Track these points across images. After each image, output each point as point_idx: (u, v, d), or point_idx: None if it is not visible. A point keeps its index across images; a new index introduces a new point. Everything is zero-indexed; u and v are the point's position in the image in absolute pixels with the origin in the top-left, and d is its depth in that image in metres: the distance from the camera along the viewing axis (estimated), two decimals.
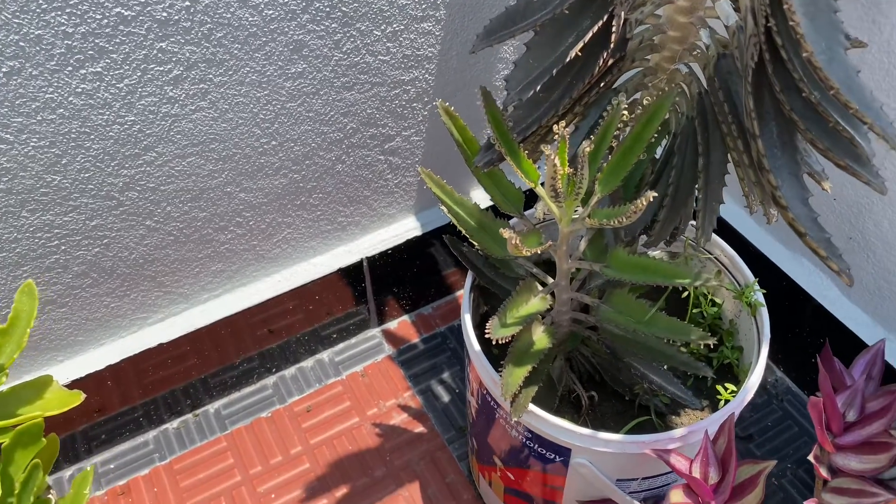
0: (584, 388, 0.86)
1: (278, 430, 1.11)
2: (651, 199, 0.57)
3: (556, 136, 0.63)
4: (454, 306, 1.25)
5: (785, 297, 1.06)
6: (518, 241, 0.62)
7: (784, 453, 1.07)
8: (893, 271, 0.92)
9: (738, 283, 0.86)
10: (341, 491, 1.05)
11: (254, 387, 1.16)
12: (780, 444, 1.07)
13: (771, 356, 1.16)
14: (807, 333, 1.07)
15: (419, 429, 1.11)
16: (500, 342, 0.67)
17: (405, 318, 1.24)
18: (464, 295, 0.85)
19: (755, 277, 0.84)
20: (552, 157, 0.61)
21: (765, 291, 0.83)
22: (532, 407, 0.75)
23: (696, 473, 0.68)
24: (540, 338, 0.76)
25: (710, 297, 0.87)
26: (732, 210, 1.12)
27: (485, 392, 0.82)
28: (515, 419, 0.72)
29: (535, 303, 0.74)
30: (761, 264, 1.08)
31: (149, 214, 0.90)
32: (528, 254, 0.65)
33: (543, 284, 0.78)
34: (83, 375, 0.98)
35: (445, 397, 1.14)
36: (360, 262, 1.10)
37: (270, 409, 1.13)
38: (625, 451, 0.73)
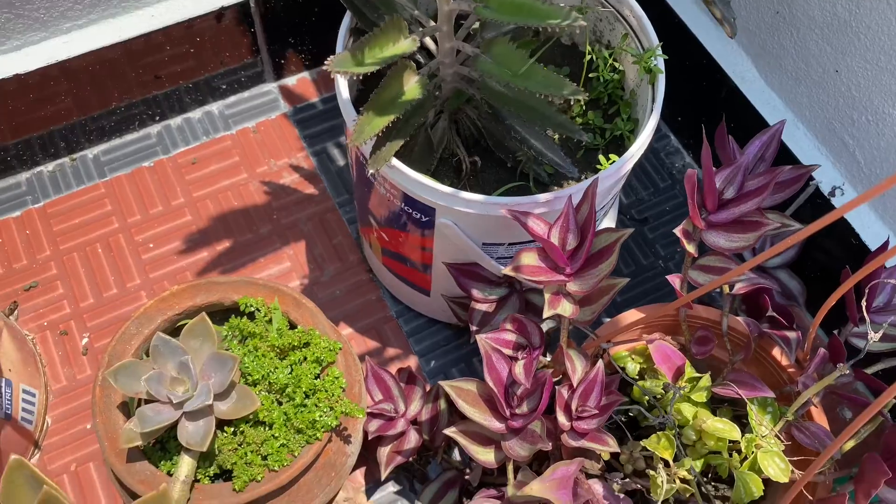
0: (467, 153, 0.81)
1: (160, 181, 1.05)
2: None
3: None
4: None
5: (703, 76, 1.00)
6: None
7: (676, 238, 1.06)
8: (813, 52, 0.86)
9: (643, 48, 0.79)
10: (223, 245, 1.02)
11: (136, 134, 1.08)
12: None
13: (682, 141, 1.11)
14: (720, 117, 1.01)
15: (310, 190, 1.07)
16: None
17: (305, 74, 1.15)
18: (339, 38, 0.76)
19: (660, 42, 0.77)
20: None
21: (666, 58, 0.76)
22: (395, 161, 0.70)
23: (554, 238, 0.65)
24: (412, 88, 0.69)
25: (610, 62, 0.80)
26: None
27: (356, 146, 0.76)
28: (371, 171, 0.67)
29: (403, 44, 0.66)
30: (684, 39, 1.00)
31: None
32: None
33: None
34: None
35: (341, 161, 1.09)
36: (246, 2, 0.99)
37: (153, 158, 1.07)
38: (486, 213, 0.69)
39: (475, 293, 0.80)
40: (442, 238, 0.76)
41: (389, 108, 0.67)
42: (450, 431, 0.71)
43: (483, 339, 0.67)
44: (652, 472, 0.64)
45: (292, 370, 0.73)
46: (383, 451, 0.83)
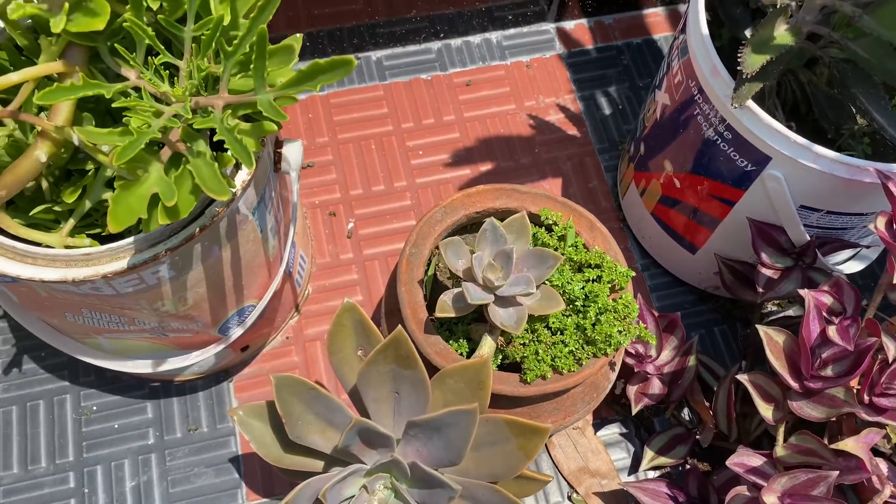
0: (784, 118, 0.81)
1: (435, 95, 1.10)
2: None
3: None
4: (637, 23, 1.17)
5: None
6: None
7: None
8: None
9: None
10: (486, 166, 1.05)
11: (418, 47, 1.13)
12: None
13: None
14: None
15: (573, 132, 1.09)
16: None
17: (583, 21, 1.16)
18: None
19: None
20: None
21: None
22: (750, 102, 0.70)
23: None
24: (782, 34, 0.69)
25: None
26: None
27: (692, 83, 0.77)
28: (736, 105, 0.68)
29: None
30: None
31: None
32: None
33: None
34: None
35: (607, 109, 1.10)
36: None
37: (431, 72, 1.11)
38: (832, 172, 0.69)
39: (764, 257, 0.80)
40: (758, 192, 0.76)
41: (762, 49, 0.67)
42: (742, 377, 0.71)
43: (808, 294, 0.67)
44: None
45: (584, 287, 0.75)
46: (632, 389, 0.85)
